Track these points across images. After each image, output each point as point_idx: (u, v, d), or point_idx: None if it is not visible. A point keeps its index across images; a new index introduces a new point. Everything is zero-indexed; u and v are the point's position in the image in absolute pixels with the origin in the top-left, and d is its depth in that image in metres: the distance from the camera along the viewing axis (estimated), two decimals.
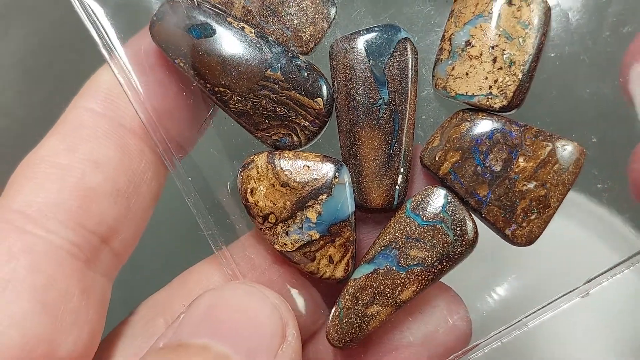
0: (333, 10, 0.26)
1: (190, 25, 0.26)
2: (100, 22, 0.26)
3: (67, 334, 0.24)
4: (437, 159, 0.26)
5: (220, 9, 0.26)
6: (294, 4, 0.26)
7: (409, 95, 0.26)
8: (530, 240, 0.25)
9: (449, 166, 0.25)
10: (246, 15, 0.26)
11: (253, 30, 0.26)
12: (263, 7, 0.26)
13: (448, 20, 0.26)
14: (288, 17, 0.26)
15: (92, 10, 0.26)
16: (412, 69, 0.26)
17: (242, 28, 0.26)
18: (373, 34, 0.26)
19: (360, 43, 0.26)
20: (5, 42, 0.45)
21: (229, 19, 0.26)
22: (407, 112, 0.26)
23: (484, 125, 0.25)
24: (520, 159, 0.25)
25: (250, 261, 0.27)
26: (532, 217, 0.25)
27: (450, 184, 0.25)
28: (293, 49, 0.26)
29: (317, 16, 0.26)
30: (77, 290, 0.25)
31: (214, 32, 0.26)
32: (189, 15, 0.26)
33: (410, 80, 0.26)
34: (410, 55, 0.26)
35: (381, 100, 0.26)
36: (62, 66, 0.45)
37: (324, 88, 0.26)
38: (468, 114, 0.26)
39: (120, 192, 0.26)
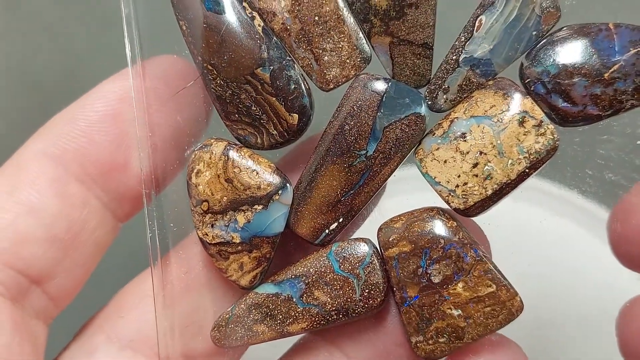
0: (365, 64, 0.25)
1: None
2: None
3: None
4: (390, 239, 0.25)
5: None
6: (331, 41, 0.25)
7: (391, 163, 0.25)
8: (427, 357, 0.26)
9: (396, 252, 0.25)
10: (282, 32, 0.25)
11: (262, 25, 0.24)
12: (301, 31, 0.25)
13: (462, 101, 0.25)
14: (321, 51, 0.25)
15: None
16: (409, 144, 0.25)
17: (253, 18, 0.24)
18: (398, 90, 0.25)
19: (382, 91, 0.25)
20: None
21: (244, 3, 0.24)
22: (378, 176, 0.25)
23: (448, 235, 0.25)
24: (460, 285, 0.25)
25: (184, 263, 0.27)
26: (441, 340, 0.25)
27: (388, 268, 0.26)
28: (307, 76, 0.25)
29: (348, 61, 0.25)
30: (8, 325, 0.25)
31: (224, 11, 0.24)
32: None
33: (400, 152, 0.25)
34: (416, 132, 0.25)
35: (364, 152, 0.25)
36: (58, 70, 0.44)
37: (305, 107, 0.25)
38: (440, 216, 0.25)
39: (57, 239, 0.26)
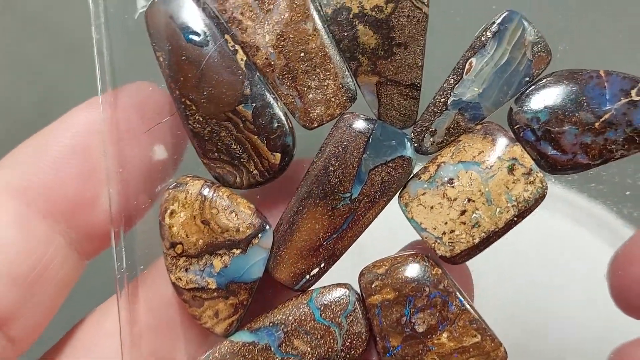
0: (351, 103, 0.24)
1: (186, 26, 0.23)
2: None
3: None
4: (372, 286, 0.24)
5: (223, 19, 0.23)
6: (316, 79, 0.24)
7: (376, 206, 0.24)
8: None
9: (379, 300, 0.24)
10: (266, 67, 0.24)
11: (245, 59, 0.23)
12: (285, 67, 0.24)
13: (449, 146, 0.24)
14: (306, 89, 0.24)
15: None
16: (395, 187, 0.24)
17: (235, 52, 0.23)
18: (384, 132, 0.24)
19: (367, 132, 0.24)
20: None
21: (226, 36, 0.23)
22: (363, 220, 0.24)
23: (433, 283, 0.24)
24: (445, 335, 0.24)
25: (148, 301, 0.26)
26: None
27: (370, 316, 0.24)
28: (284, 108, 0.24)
29: (333, 99, 0.24)
30: None
31: (205, 43, 0.23)
32: (188, 14, 0.23)
33: (386, 196, 0.24)
34: (402, 175, 0.24)
35: (348, 195, 0.24)
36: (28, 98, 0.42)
37: (288, 147, 0.24)
38: (425, 262, 0.24)
39: (20, 278, 0.25)
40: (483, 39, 0.23)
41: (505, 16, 0.24)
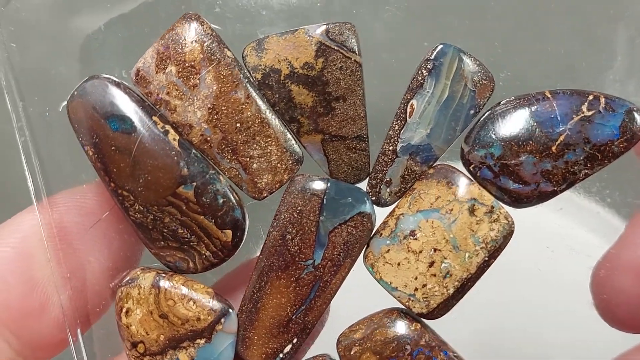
0: (298, 165, 0.23)
1: (111, 115, 0.22)
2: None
3: None
4: (352, 353, 0.23)
5: (149, 103, 0.22)
6: (257, 147, 0.23)
7: (342, 270, 0.23)
8: None
9: None
10: (203, 144, 0.23)
11: (177, 138, 0.22)
12: (223, 141, 0.22)
13: (404, 197, 0.23)
14: (248, 159, 0.23)
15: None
16: (359, 246, 0.23)
17: (166, 132, 0.22)
18: (339, 190, 0.23)
19: (321, 193, 0.23)
20: None
21: (154, 118, 0.22)
22: (330, 287, 0.23)
23: (413, 340, 0.22)
24: None
25: None
26: None
27: None
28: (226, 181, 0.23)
29: (279, 165, 0.23)
30: None
31: (133, 130, 0.22)
32: (111, 102, 0.22)
33: (350, 257, 0.23)
34: (364, 232, 0.23)
35: (311, 262, 0.23)
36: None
37: (238, 221, 0.23)
38: (402, 320, 0.23)
39: None
40: (420, 78, 0.23)
41: (439, 50, 0.23)
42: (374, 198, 0.23)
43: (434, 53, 0.23)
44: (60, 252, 0.23)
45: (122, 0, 0.23)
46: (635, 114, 0.22)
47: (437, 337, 0.23)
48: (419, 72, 0.23)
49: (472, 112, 0.23)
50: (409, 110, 0.23)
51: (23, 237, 0.24)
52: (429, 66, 0.22)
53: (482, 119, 0.22)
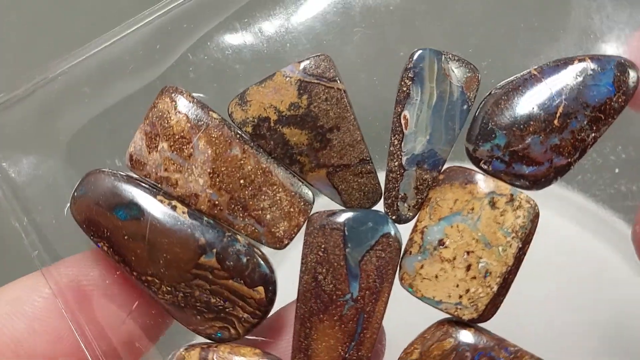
0: (310, 205, 0.23)
1: (115, 205, 0.22)
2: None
3: None
4: None
5: (150, 184, 0.22)
6: (266, 197, 0.22)
7: (382, 296, 0.22)
8: None
9: None
10: (212, 209, 0.22)
11: (186, 210, 0.22)
12: (232, 200, 0.22)
13: (422, 209, 0.23)
14: (260, 212, 0.23)
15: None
16: (392, 268, 0.22)
17: (174, 207, 0.22)
18: (357, 218, 0.22)
19: (340, 225, 0.22)
20: None
21: (159, 197, 0.22)
22: (375, 315, 0.22)
23: (472, 346, 0.22)
24: None
25: None
26: None
27: None
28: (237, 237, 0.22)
29: (292, 210, 0.23)
30: None
31: (141, 214, 0.22)
32: (113, 193, 0.22)
33: (386, 281, 0.22)
34: (393, 253, 0.22)
35: (349, 296, 0.22)
36: None
37: (267, 276, 0.23)
38: (454, 328, 0.22)
39: None
40: (404, 88, 0.22)
41: (417, 56, 0.23)
42: (393, 217, 0.23)
43: (412, 60, 0.22)
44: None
45: (103, 96, 0.23)
46: (625, 65, 0.22)
47: (493, 336, 0.23)
48: (403, 82, 0.22)
49: (464, 107, 0.23)
50: (403, 122, 0.23)
51: (58, 285, 0.23)
52: (410, 74, 0.22)
53: (477, 113, 0.22)
